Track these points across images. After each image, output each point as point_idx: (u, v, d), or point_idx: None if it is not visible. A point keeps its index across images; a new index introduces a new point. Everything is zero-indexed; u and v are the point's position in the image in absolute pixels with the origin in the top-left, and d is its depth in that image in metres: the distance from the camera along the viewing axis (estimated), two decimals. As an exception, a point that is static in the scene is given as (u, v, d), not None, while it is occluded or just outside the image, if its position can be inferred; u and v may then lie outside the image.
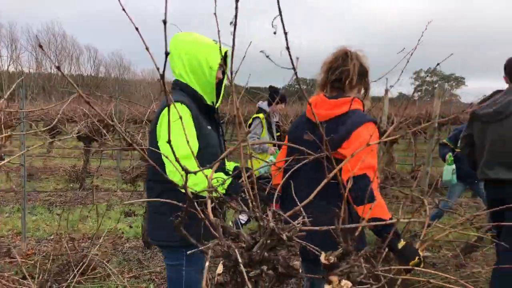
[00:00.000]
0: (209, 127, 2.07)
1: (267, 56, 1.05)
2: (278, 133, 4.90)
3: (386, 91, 10.32)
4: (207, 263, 1.12)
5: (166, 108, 1.56)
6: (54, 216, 5.34)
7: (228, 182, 1.85)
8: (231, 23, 0.95)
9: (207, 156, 1.91)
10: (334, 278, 1.23)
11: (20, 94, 3.73)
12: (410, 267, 1.78)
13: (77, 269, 2.77)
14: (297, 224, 1.27)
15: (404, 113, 12.54)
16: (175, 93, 2.06)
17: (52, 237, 4.32)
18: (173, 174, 1.78)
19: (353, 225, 1.31)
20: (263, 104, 4.88)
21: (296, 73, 1.02)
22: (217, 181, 1.77)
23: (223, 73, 2.15)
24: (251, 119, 4.84)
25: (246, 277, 1.08)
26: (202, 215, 1.20)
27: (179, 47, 2.04)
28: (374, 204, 1.78)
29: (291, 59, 1.00)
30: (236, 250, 1.15)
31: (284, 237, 1.15)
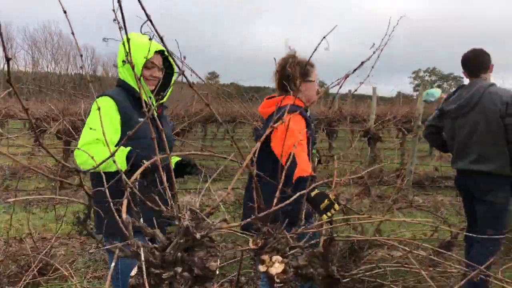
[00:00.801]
0: (141, 119, 2.17)
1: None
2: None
3: (374, 89, 10.33)
4: (112, 264, 1.06)
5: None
6: (30, 216, 5.25)
7: (125, 152, 1.93)
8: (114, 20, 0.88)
9: (137, 146, 1.99)
10: (265, 257, 1.27)
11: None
12: (324, 212, 1.97)
13: (36, 269, 2.70)
14: (219, 222, 1.21)
15: (394, 111, 12.55)
16: (113, 89, 2.26)
17: (23, 236, 4.24)
18: (76, 156, 2.00)
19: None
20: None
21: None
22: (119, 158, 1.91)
23: (167, 71, 2.34)
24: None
25: (145, 279, 1.02)
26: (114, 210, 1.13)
27: (119, 48, 2.22)
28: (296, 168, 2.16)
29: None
30: (144, 250, 1.08)
31: (198, 237, 1.09)
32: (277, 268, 1.26)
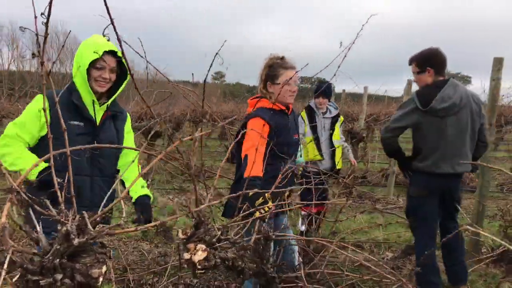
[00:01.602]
0: (71, 122, 2.11)
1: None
2: (331, 130, 4.69)
3: (365, 88, 10.28)
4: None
5: None
6: None
7: (40, 167, 1.89)
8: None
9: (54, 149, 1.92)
10: (191, 245, 1.38)
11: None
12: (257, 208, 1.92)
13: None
14: (112, 227, 1.16)
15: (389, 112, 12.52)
16: (61, 89, 2.11)
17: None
18: None
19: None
20: (311, 101, 4.76)
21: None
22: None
23: (121, 73, 2.25)
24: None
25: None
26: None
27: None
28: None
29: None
30: (20, 257, 1.04)
31: (75, 243, 1.04)
32: (199, 255, 1.37)
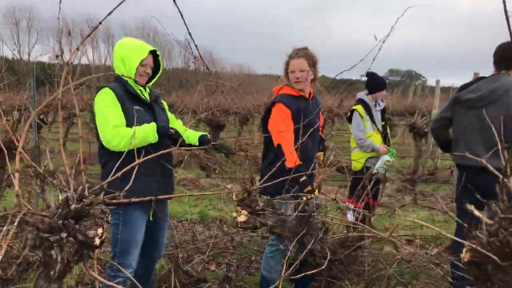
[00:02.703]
0: (135, 107, 2.51)
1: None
2: (383, 122, 4.64)
3: (437, 82, 9.82)
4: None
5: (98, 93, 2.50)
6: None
7: (154, 127, 2.40)
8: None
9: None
10: (239, 208, 1.93)
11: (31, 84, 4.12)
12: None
13: None
14: (106, 197, 1.38)
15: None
16: (113, 82, 2.61)
17: None
18: (111, 139, 2.36)
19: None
20: (362, 94, 4.66)
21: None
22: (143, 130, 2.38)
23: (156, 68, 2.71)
24: (349, 112, 4.69)
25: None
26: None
27: (115, 48, 2.61)
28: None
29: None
30: (33, 217, 1.30)
31: (72, 208, 1.27)
32: (241, 218, 1.92)
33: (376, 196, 4.18)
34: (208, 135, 2.81)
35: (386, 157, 3.97)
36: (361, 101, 4.58)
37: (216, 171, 7.22)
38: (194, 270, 3.21)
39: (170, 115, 2.86)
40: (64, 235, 1.30)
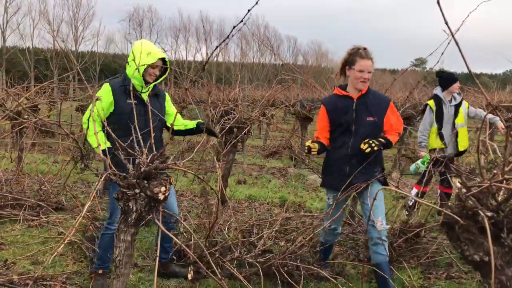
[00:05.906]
0: (128, 101, 2.96)
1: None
2: (456, 116, 4.83)
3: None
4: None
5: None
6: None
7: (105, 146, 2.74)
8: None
9: (119, 120, 2.92)
10: None
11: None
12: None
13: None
14: (169, 163, 1.77)
15: None
16: (117, 78, 3.13)
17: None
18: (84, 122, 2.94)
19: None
20: (437, 90, 4.89)
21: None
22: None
23: (163, 71, 3.18)
24: (423, 106, 5.03)
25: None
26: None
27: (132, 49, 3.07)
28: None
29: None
30: (116, 177, 1.73)
31: (142, 170, 1.68)
32: None
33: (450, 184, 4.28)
34: (202, 121, 3.37)
35: (419, 162, 4.12)
36: (436, 97, 4.86)
37: (306, 162, 7.55)
38: (263, 244, 3.56)
39: (171, 108, 3.31)
40: (137, 190, 1.72)
